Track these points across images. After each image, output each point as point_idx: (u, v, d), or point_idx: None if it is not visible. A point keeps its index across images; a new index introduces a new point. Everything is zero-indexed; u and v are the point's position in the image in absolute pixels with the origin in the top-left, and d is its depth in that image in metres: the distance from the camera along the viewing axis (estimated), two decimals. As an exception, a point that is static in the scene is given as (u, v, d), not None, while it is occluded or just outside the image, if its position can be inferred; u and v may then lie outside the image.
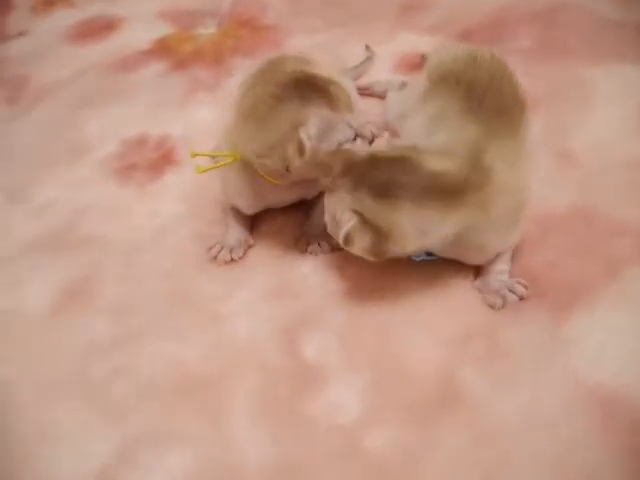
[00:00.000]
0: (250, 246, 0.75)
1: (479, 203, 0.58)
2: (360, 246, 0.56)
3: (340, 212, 0.58)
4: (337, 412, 0.57)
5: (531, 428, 0.53)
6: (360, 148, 0.63)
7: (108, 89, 1.09)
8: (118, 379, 0.64)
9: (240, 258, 0.73)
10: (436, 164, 0.57)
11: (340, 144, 0.61)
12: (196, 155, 0.68)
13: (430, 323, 0.63)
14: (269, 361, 0.63)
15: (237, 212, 0.76)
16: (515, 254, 0.68)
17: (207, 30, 1.24)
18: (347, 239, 0.56)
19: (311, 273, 0.70)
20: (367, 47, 1.06)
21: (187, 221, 0.80)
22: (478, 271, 0.66)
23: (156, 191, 0.85)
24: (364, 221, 0.56)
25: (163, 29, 1.26)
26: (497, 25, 1.06)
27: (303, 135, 0.58)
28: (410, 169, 0.56)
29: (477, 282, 0.65)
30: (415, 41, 1.09)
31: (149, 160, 0.91)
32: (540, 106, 0.86)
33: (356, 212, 0.56)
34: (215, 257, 0.73)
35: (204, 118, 0.99)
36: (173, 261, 0.74)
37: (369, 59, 1.03)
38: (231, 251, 0.73)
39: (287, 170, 0.61)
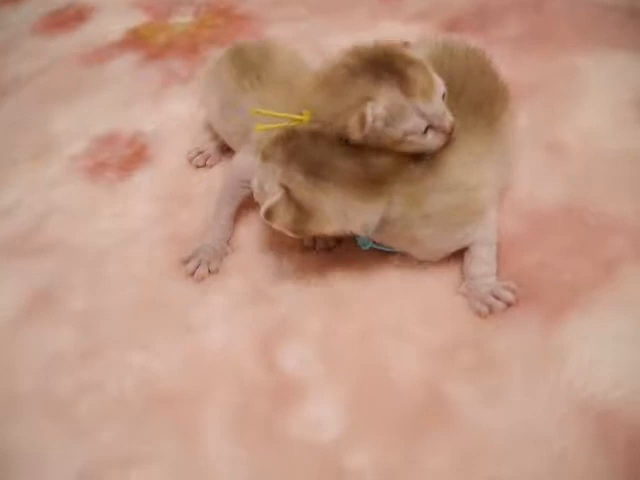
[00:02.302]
0: (227, 254, 0.71)
1: (408, 196, 0.58)
2: (281, 222, 0.57)
3: (269, 184, 0.58)
4: (316, 430, 0.54)
5: (522, 445, 0.50)
6: (430, 143, 0.59)
7: (78, 83, 1.03)
8: (84, 394, 0.60)
9: (217, 270, 0.69)
10: (370, 153, 0.58)
11: (407, 134, 0.57)
12: (258, 113, 0.62)
13: (414, 332, 0.59)
14: (245, 374, 0.59)
15: (227, 207, 0.72)
16: (504, 254, 0.64)
17: (183, 19, 1.19)
18: (269, 213, 0.56)
19: (290, 277, 0.66)
20: None
21: (158, 223, 0.75)
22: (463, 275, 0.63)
23: (126, 191, 0.81)
24: (289, 198, 0.56)
25: (137, 18, 1.21)
26: (484, 12, 1.02)
27: (368, 110, 0.55)
28: (348, 154, 0.57)
29: (462, 287, 0.62)
30: (399, 30, 1.04)
31: (120, 158, 0.86)
32: (528, 96, 0.83)
33: (284, 187, 0.57)
34: (192, 273, 0.68)
35: (178, 112, 0.94)
36: (142, 267, 0.70)
37: None
38: (208, 264, 0.69)
39: (346, 142, 0.58)
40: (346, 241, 0.68)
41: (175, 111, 0.94)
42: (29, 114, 0.98)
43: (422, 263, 0.64)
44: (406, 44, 0.74)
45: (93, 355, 0.63)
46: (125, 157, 0.86)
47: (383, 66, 0.57)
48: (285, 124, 0.60)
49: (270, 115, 0.61)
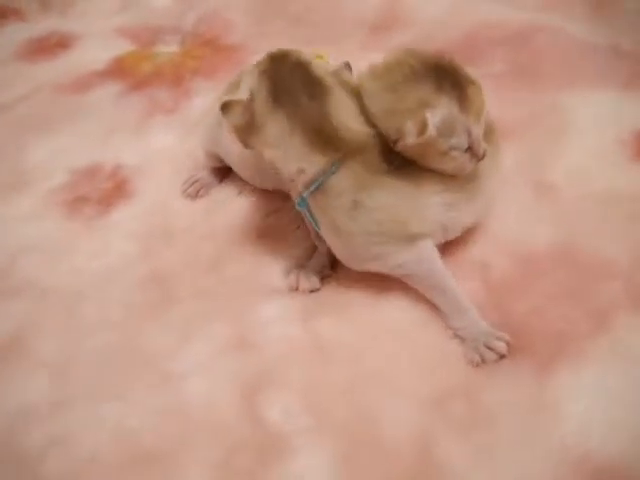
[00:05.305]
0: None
1: (359, 176, 0.58)
2: (232, 121, 0.59)
3: (242, 83, 0.60)
4: (302, 489, 0.51)
5: (517, 506, 0.48)
6: (464, 163, 0.60)
7: (58, 112, 1.00)
8: (54, 449, 0.56)
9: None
10: (342, 115, 0.58)
11: (452, 148, 0.58)
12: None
13: (403, 383, 0.57)
14: (227, 428, 0.56)
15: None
16: (495, 298, 0.63)
17: (168, 48, 1.17)
18: (226, 106, 0.58)
19: (273, 322, 0.64)
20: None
21: (137, 262, 0.73)
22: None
23: (105, 228, 0.78)
24: (250, 105, 0.58)
25: (121, 46, 1.19)
26: (469, 48, 1.02)
27: (430, 117, 0.56)
28: (315, 97, 0.57)
29: (455, 333, 0.60)
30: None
31: (99, 192, 0.84)
32: (515, 135, 0.82)
33: (252, 94, 0.58)
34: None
35: (161, 144, 0.92)
36: (120, 310, 0.67)
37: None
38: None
39: (394, 144, 0.58)
40: (331, 284, 0.67)
41: (158, 143, 0.92)
42: (6, 143, 0.95)
43: (411, 308, 0.62)
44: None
45: (65, 406, 0.59)
46: (105, 191, 0.84)
47: (446, 77, 0.58)
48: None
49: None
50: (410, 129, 0.56)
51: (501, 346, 0.57)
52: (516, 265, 0.66)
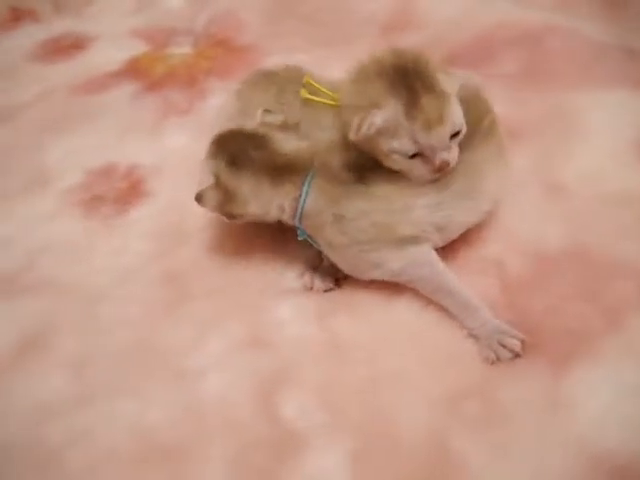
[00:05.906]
0: None
1: (326, 191, 0.62)
2: (209, 204, 0.66)
3: (203, 174, 0.67)
4: (318, 485, 0.52)
5: (533, 504, 0.48)
6: (415, 170, 0.60)
7: (74, 113, 1.02)
8: (73, 446, 0.57)
9: None
10: (284, 145, 0.65)
11: (392, 151, 0.59)
12: (308, 99, 0.69)
13: (418, 381, 0.57)
14: (243, 425, 0.57)
15: None
16: (509, 297, 0.63)
17: (181, 49, 1.18)
18: (199, 197, 0.66)
19: (288, 320, 0.65)
20: None
21: (154, 261, 0.74)
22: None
23: (122, 227, 0.79)
24: (218, 184, 0.65)
25: (135, 48, 1.20)
26: (482, 48, 1.03)
27: (369, 118, 0.58)
28: (259, 146, 0.65)
29: (469, 333, 0.60)
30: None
31: (116, 192, 0.85)
32: (527, 135, 0.82)
33: (215, 176, 0.66)
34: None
35: (176, 145, 0.93)
36: (137, 308, 0.68)
37: None
38: None
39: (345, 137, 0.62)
40: (346, 284, 0.67)
41: (173, 144, 0.93)
42: (22, 144, 0.97)
43: (425, 308, 0.63)
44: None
45: (84, 403, 0.60)
46: (121, 191, 0.85)
47: (405, 79, 0.58)
48: (326, 101, 0.67)
49: (319, 100, 0.68)
50: (353, 126, 0.59)
51: (515, 344, 0.57)
52: (530, 264, 0.66)
